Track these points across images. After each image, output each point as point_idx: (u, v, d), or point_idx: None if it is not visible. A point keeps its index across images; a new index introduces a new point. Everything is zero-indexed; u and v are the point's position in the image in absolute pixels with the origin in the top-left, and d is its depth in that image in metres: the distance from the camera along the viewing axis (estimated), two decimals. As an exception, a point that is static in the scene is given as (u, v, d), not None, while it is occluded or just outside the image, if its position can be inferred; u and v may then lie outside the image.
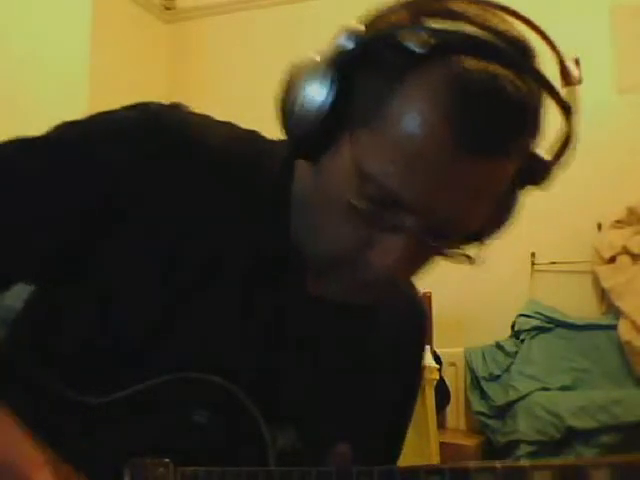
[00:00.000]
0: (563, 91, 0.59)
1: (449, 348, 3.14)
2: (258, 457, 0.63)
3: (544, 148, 0.62)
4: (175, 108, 0.70)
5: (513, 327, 3.25)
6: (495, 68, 0.54)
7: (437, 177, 0.56)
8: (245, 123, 0.72)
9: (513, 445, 2.83)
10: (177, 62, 4.18)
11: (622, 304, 3.01)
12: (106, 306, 0.65)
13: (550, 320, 3.17)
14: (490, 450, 2.98)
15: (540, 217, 2.62)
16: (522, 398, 2.91)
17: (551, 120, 0.61)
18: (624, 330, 2.95)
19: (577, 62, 0.60)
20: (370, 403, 0.76)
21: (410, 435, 0.85)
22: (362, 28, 0.59)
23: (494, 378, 3.14)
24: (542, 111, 0.59)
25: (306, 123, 0.59)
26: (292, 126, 0.61)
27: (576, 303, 3.24)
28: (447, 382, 3.09)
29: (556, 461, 0.50)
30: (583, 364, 3.02)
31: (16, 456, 0.57)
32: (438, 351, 2.93)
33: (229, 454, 0.63)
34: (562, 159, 0.62)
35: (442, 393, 2.93)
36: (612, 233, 3.15)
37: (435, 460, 2.43)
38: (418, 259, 0.63)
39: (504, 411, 2.98)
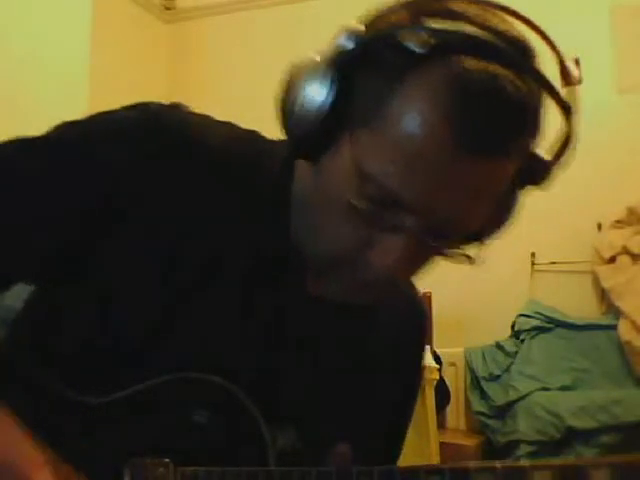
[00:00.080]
0: (563, 91, 0.59)
1: (449, 348, 3.14)
2: (258, 457, 0.63)
3: (544, 148, 0.62)
4: (175, 108, 0.70)
5: (513, 327, 3.25)
6: (495, 68, 0.54)
7: (437, 177, 0.56)
8: (245, 123, 0.72)
9: (513, 445, 2.83)
10: (177, 62, 4.18)
11: (622, 304, 3.01)
12: (106, 306, 0.65)
13: (550, 320, 3.16)
14: (490, 450, 2.98)
15: (540, 217, 2.62)
16: (522, 398, 2.91)
17: (551, 120, 0.61)
18: (624, 330, 2.95)
19: (577, 62, 0.60)
20: (370, 403, 0.76)
21: (410, 435, 0.85)
22: (362, 28, 0.59)
23: (494, 378, 3.14)
24: (542, 111, 0.59)
25: (306, 123, 0.59)
26: (292, 126, 0.61)
27: (576, 303, 3.24)
28: (447, 382, 3.09)
29: (556, 461, 0.50)
30: (583, 364, 3.02)
31: (16, 456, 0.57)
32: (438, 351, 2.93)
33: (229, 454, 0.63)
34: (562, 159, 0.62)
35: (442, 393, 2.92)
36: (612, 233, 3.15)
37: (435, 460, 2.43)
38: (418, 259, 0.63)
39: (504, 411, 2.98)
